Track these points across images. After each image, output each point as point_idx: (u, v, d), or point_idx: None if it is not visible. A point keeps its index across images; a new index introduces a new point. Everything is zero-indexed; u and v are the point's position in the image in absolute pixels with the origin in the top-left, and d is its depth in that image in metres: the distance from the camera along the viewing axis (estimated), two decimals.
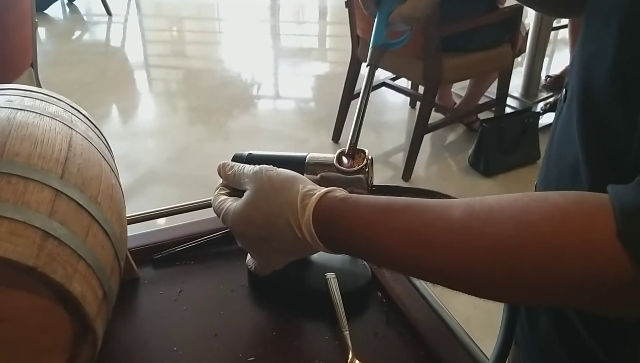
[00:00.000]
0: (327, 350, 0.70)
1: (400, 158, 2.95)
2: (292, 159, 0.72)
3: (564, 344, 0.60)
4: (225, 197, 0.65)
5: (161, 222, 0.92)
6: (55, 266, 0.50)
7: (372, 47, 0.69)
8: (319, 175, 0.69)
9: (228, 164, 0.67)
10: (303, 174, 0.69)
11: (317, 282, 0.77)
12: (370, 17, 0.71)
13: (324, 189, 0.56)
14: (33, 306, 0.52)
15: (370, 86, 0.69)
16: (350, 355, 0.67)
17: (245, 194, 0.61)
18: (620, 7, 0.46)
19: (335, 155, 0.69)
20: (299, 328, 0.75)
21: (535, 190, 0.69)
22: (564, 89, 0.59)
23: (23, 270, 0.49)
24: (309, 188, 0.57)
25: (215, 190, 0.68)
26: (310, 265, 0.79)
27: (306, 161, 0.70)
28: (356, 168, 0.67)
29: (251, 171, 0.62)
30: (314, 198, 0.55)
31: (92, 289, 0.54)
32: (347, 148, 0.68)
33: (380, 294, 0.79)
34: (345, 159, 0.68)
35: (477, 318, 1.93)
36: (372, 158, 0.68)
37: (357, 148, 0.68)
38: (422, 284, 0.78)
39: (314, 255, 0.80)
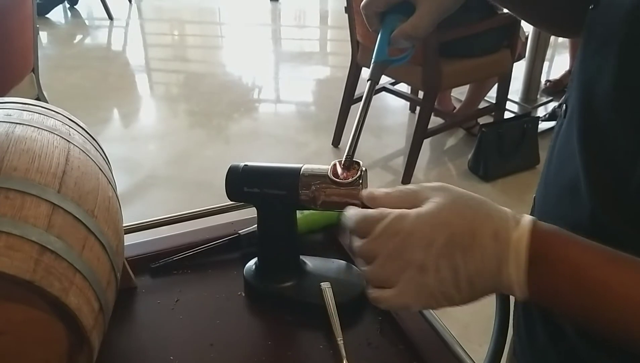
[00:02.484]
0: (321, 359, 0.71)
1: (400, 162, 2.95)
2: (287, 170, 0.73)
3: (561, 358, 0.61)
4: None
5: (159, 230, 0.93)
6: (51, 279, 0.51)
7: (374, 63, 0.69)
8: (313, 186, 0.70)
9: (380, 189, 0.55)
10: (297, 185, 0.71)
11: (312, 292, 0.78)
12: (374, 34, 0.71)
13: (530, 217, 0.48)
14: (30, 320, 0.53)
15: (370, 101, 0.69)
16: None
17: (435, 200, 0.51)
18: (618, 29, 0.47)
19: (329, 166, 0.70)
20: (294, 337, 0.76)
21: (534, 203, 0.69)
22: (564, 105, 0.59)
23: (20, 283, 0.50)
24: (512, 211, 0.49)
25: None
26: (305, 274, 0.80)
27: (301, 172, 0.71)
28: (350, 179, 0.68)
29: (437, 184, 0.53)
30: (528, 219, 0.47)
31: (88, 302, 0.55)
32: (343, 159, 0.68)
33: None
34: (340, 171, 0.69)
35: (476, 325, 1.94)
36: (366, 169, 0.69)
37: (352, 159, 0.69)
38: None
39: (309, 263, 0.82)
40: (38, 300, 0.52)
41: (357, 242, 0.52)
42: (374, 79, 0.69)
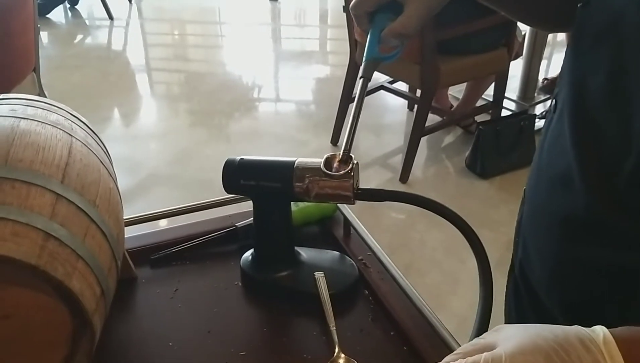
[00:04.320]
0: (315, 346, 0.74)
1: (398, 160, 2.98)
2: (281, 163, 0.76)
3: None
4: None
5: (159, 223, 0.96)
6: (55, 264, 0.54)
7: (365, 60, 0.72)
8: (306, 179, 0.72)
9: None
10: (291, 178, 0.73)
11: (306, 281, 0.80)
12: (364, 33, 0.74)
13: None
14: (35, 303, 0.56)
15: (363, 97, 0.71)
16: (337, 350, 0.71)
17: (510, 340, 0.45)
18: (610, 27, 0.48)
19: (322, 160, 0.72)
20: (289, 324, 0.79)
21: (524, 196, 0.71)
22: (554, 100, 0.61)
23: (26, 268, 0.52)
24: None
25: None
26: (300, 264, 0.83)
27: (295, 165, 0.74)
28: (342, 172, 0.70)
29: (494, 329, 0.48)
30: (599, 326, 0.44)
31: (90, 286, 0.58)
32: (340, 153, 0.71)
33: (366, 292, 0.83)
34: (333, 164, 0.71)
35: (474, 318, 1.96)
36: (357, 162, 0.71)
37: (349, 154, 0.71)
38: (406, 283, 0.81)
39: (303, 254, 0.84)
40: (43, 284, 0.54)
41: None
42: (366, 76, 0.72)
